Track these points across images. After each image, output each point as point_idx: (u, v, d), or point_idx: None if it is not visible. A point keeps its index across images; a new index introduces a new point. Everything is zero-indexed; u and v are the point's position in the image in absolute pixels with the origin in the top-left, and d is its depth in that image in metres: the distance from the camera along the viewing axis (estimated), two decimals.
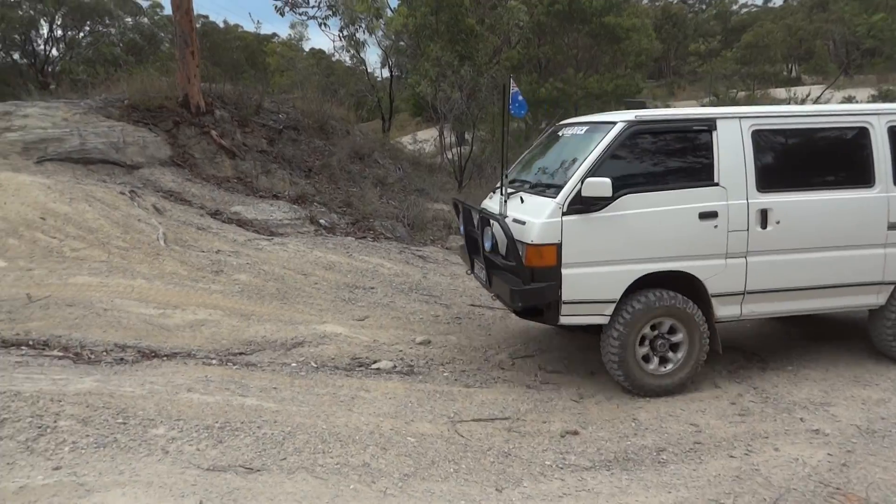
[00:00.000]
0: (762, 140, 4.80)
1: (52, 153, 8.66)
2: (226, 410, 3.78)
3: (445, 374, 5.18)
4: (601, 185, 4.37)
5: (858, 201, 4.88)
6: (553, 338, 6.03)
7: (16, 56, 27.80)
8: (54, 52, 28.40)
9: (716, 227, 4.64)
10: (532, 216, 4.60)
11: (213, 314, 5.91)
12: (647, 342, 4.75)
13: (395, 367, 5.22)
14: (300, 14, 15.84)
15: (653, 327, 4.75)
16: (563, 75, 19.19)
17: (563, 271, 4.50)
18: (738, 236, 4.70)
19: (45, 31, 27.46)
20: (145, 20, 30.04)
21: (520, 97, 4.98)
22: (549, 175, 4.93)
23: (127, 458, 2.95)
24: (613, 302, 4.61)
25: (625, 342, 4.64)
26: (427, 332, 6.09)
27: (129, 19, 29.78)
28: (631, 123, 4.65)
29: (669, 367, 4.76)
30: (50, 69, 27.94)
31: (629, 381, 4.71)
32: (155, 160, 9.56)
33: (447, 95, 14.26)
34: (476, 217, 5.27)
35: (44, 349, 4.86)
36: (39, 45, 27.80)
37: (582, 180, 4.46)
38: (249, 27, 48.99)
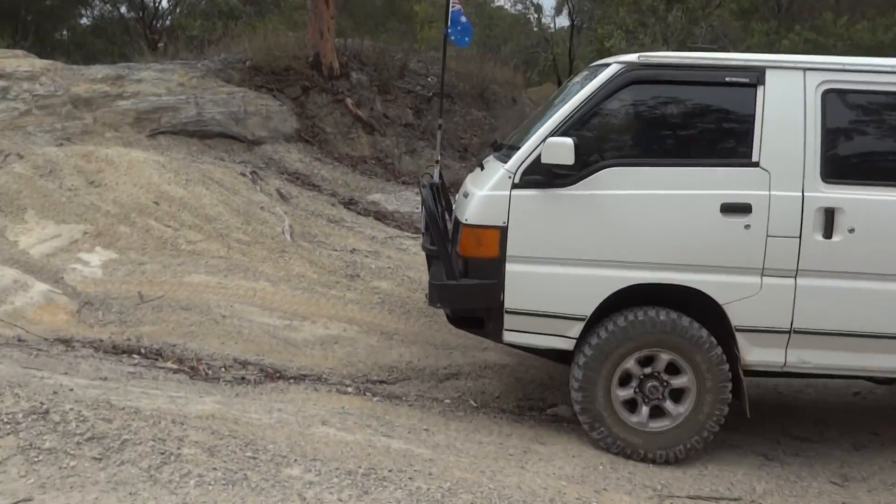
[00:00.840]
0: (839, 105, 4.20)
1: (165, 125, 9.60)
2: (369, 453, 3.97)
3: None
4: (561, 148, 3.97)
5: None
6: (804, 388, 5.71)
7: (122, 10, 31.21)
8: (164, 3, 31.54)
9: (747, 227, 4.11)
10: (476, 187, 4.37)
11: (347, 330, 6.23)
12: (633, 383, 4.34)
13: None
14: None
15: (643, 362, 4.31)
16: (816, 21, 18.10)
17: (508, 267, 4.22)
18: (784, 245, 4.13)
19: None
20: None
21: (463, 18, 4.60)
22: (523, 136, 4.61)
23: (259, 501, 3.18)
24: (581, 320, 4.25)
25: (593, 378, 4.27)
26: None
27: None
28: (629, 67, 4.27)
29: (665, 422, 4.34)
30: (159, 24, 31.03)
31: (600, 435, 4.37)
32: (279, 134, 10.28)
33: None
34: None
35: (157, 359, 5.39)
36: None
37: (543, 140, 4.10)
38: None
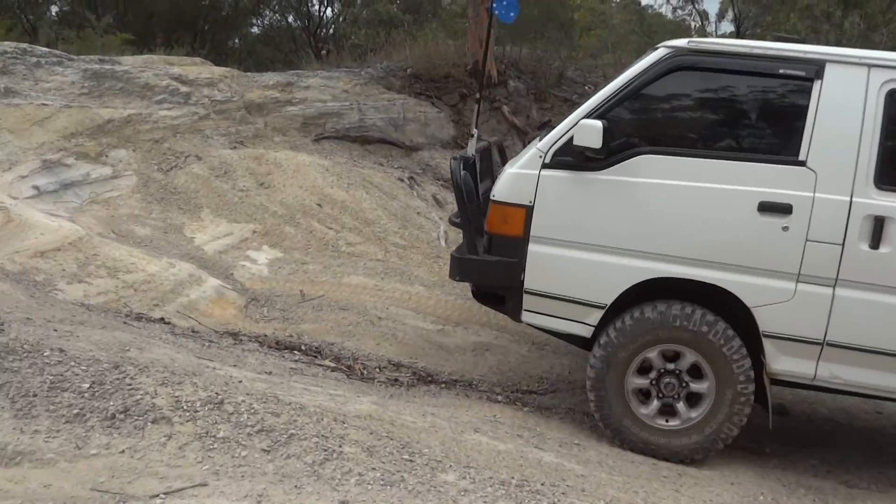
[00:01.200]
0: None
1: (329, 130, 9.98)
2: (521, 464, 3.95)
3: (813, 462, 4.80)
4: (590, 131, 3.90)
5: None
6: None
7: (290, 19, 32.83)
8: (328, 12, 32.92)
9: (785, 228, 3.92)
10: (509, 165, 4.33)
11: (499, 338, 6.26)
12: (652, 374, 4.24)
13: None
14: None
15: (668, 357, 4.19)
16: None
17: (531, 247, 4.21)
18: (825, 251, 3.91)
19: None
20: None
21: None
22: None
23: None
24: (601, 308, 4.20)
25: (608, 365, 4.22)
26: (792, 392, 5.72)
27: None
28: (677, 52, 4.11)
29: (675, 422, 4.27)
30: (323, 33, 32.44)
31: (610, 427, 4.36)
32: (436, 140, 10.46)
33: None
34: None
35: (316, 357, 5.60)
36: (314, 4, 32.47)
37: (577, 122, 4.02)
38: None
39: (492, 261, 4.33)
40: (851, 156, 3.92)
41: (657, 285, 4.16)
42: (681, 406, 4.28)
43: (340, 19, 32.19)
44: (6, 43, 8.82)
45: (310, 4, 31.88)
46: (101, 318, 5.11)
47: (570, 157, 4.13)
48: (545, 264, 4.24)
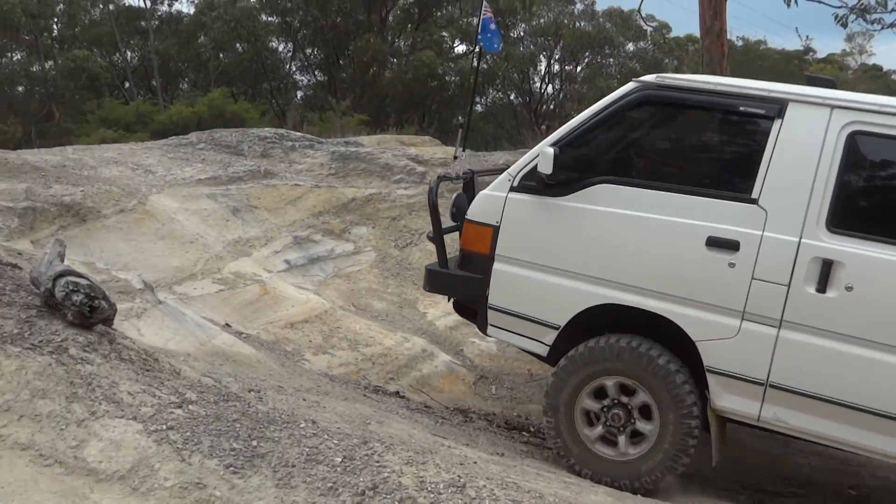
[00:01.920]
0: (863, 149, 3.87)
1: None
2: None
3: None
4: (545, 157, 4.12)
5: None
6: None
7: (512, 96, 33.94)
8: (549, 89, 33.67)
9: (732, 265, 3.95)
10: (486, 187, 4.60)
11: (737, 430, 5.89)
12: (606, 402, 4.31)
13: None
14: (872, 22, 15.08)
15: (625, 390, 4.25)
16: None
17: (495, 265, 4.48)
18: (770, 291, 3.90)
19: (542, 67, 32.76)
20: (648, 45, 33.10)
21: (492, 25, 4.52)
22: None
23: None
24: (555, 329, 4.39)
25: (560, 390, 4.36)
26: None
27: (631, 45, 33.27)
28: (645, 86, 4.25)
29: (610, 453, 4.33)
30: (543, 108, 33.18)
31: (565, 451, 4.44)
32: None
33: None
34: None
35: (544, 439, 5.54)
36: (535, 82, 33.38)
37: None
38: (787, 43, 49.38)
39: (460, 275, 4.65)
40: (804, 196, 3.90)
41: (616, 313, 4.27)
42: (622, 440, 4.33)
43: (561, 96, 32.87)
44: (267, 129, 9.80)
45: (531, 82, 32.90)
46: (342, 390, 5.39)
47: (535, 182, 4.33)
48: (507, 282, 4.49)
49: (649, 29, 29.95)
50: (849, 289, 3.80)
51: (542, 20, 30.99)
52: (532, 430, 5.68)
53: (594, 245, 4.30)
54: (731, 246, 3.99)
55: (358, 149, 9.73)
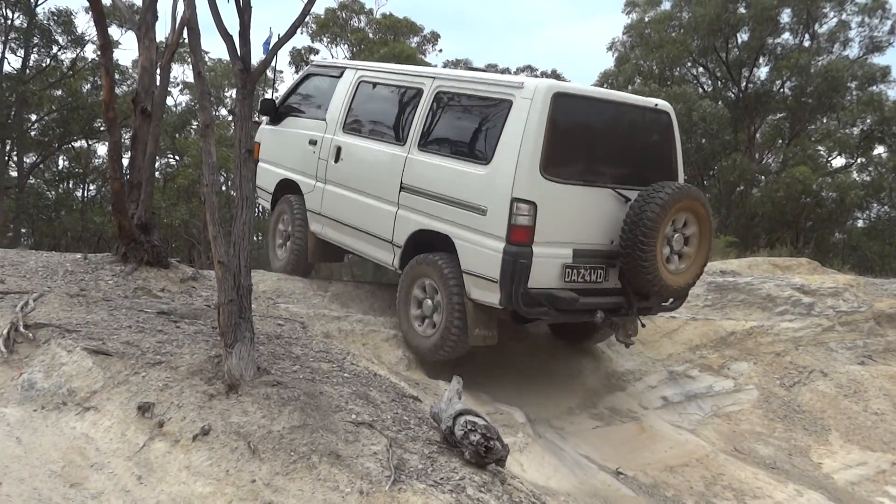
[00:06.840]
0: (363, 90, 7.68)
1: None
2: None
3: None
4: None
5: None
6: None
7: None
8: None
9: (314, 152, 7.79)
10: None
11: None
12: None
13: None
14: None
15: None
16: None
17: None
18: (322, 164, 7.69)
19: None
20: None
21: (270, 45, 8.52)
22: None
23: None
24: (269, 193, 8.43)
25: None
26: None
27: None
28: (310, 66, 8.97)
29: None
30: None
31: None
32: None
33: None
34: None
35: None
36: None
37: None
38: None
39: None
40: (338, 114, 7.73)
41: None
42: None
43: None
44: None
45: None
46: None
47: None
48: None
49: None
50: (343, 160, 7.51)
51: None
52: None
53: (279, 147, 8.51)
54: (313, 142, 7.85)
55: (736, 279, 9.24)
